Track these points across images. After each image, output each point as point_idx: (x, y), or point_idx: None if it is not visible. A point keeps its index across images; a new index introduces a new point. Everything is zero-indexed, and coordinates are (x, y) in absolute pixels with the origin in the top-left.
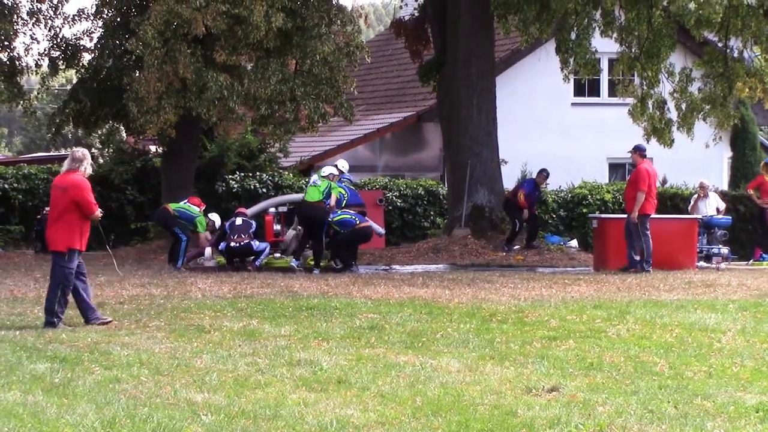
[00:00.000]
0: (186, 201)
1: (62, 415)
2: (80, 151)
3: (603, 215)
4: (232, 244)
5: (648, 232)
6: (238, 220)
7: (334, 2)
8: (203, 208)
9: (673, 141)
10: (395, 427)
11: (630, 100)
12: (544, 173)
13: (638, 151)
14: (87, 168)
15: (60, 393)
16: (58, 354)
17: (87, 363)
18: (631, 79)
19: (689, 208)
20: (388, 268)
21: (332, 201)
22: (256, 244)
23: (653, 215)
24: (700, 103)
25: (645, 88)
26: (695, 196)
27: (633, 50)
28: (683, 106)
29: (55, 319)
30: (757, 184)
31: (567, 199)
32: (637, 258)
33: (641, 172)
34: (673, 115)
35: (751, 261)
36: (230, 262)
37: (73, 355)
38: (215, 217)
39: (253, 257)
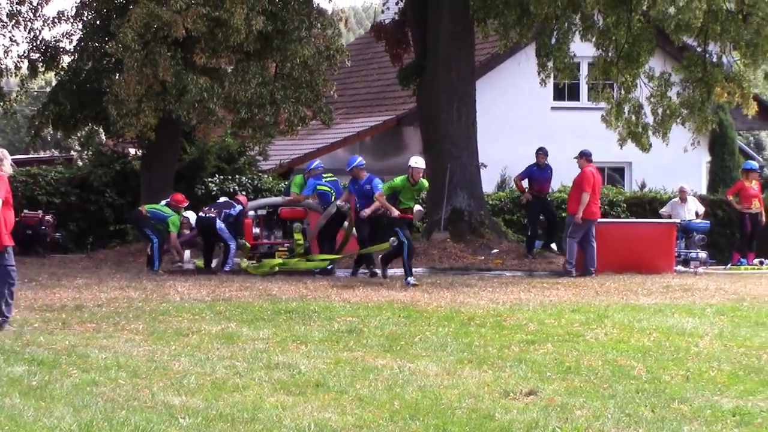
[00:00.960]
0: (166, 201)
1: (39, 418)
2: (0, 151)
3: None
4: (201, 213)
5: (575, 236)
6: (223, 198)
7: (314, 6)
8: (185, 204)
9: (651, 145)
10: (373, 430)
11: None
12: (540, 151)
13: (584, 156)
14: (7, 167)
15: (37, 396)
16: (35, 357)
17: (64, 366)
18: (606, 83)
19: (662, 210)
20: (366, 271)
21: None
22: (221, 226)
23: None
24: (678, 108)
25: (623, 92)
26: (674, 199)
27: (610, 54)
28: (659, 111)
29: (1, 318)
30: (737, 190)
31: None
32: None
33: (585, 173)
34: (650, 119)
35: (728, 265)
36: (207, 263)
37: (51, 358)
38: (190, 215)
39: (224, 262)
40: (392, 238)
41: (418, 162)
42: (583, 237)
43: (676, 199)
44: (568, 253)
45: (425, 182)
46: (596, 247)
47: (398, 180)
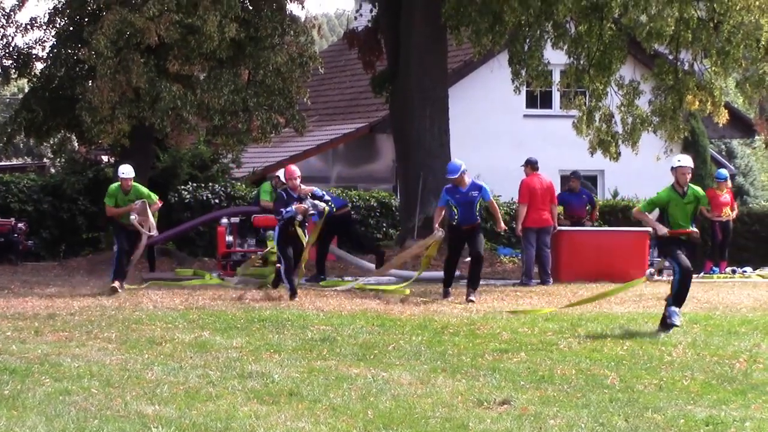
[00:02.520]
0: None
1: (12, 427)
2: None
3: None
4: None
5: (529, 246)
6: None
7: (287, 13)
8: (160, 205)
9: (619, 154)
10: None
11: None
12: (573, 176)
13: (528, 164)
14: None
15: (10, 405)
16: (7, 365)
17: (37, 375)
18: (578, 91)
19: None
20: (340, 279)
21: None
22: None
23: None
24: (649, 116)
25: (594, 101)
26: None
27: (582, 62)
28: (629, 120)
29: None
30: (708, 198)
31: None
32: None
33: (521, 185)
34: (620, 128)
35: (701, 274)
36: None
37: (23, 366)
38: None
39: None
40: (649, 271)
41: (682, 160)
42: (537, 246)
43: None
44: (523, 264)
45: (699, 190)
46: (566, 256)
47: (663, 192)
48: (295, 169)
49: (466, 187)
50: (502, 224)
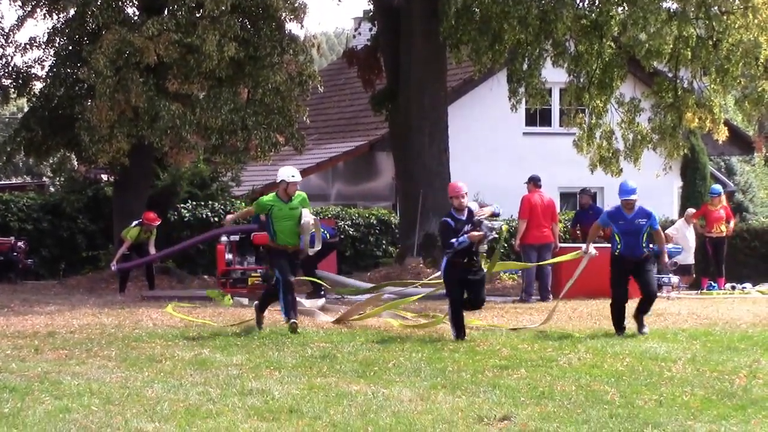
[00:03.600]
0: (137, 221)
1: None
2: None
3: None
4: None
5: (530, 264)
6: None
7: (286, 32)
8: (157, 222)
9: (621, 170)
10: None
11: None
12: (582, 192)
13: (531, 181)
14: None
15: (10, 423)
16: (7, 384)
17: (37, 392)
18: (578, 109)
19: (669, 230)
20: (340, 297)
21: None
22: None
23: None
24: (649, 134)
25: (594, 118)
26: (681, 221)
27: (582, 80)
28: (630, 136)
29: None
30: (702, 214)
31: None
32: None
33: (522, 200)
34: (621, 145)
35: (703, 290)
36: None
37: (23, 384)
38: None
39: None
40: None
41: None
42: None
43: (683, 221)
44: (523, 281)
45: None
46: (566, 272)
47: None
48: (461, 185)
49: (632, 213)
50: (667, 257)
